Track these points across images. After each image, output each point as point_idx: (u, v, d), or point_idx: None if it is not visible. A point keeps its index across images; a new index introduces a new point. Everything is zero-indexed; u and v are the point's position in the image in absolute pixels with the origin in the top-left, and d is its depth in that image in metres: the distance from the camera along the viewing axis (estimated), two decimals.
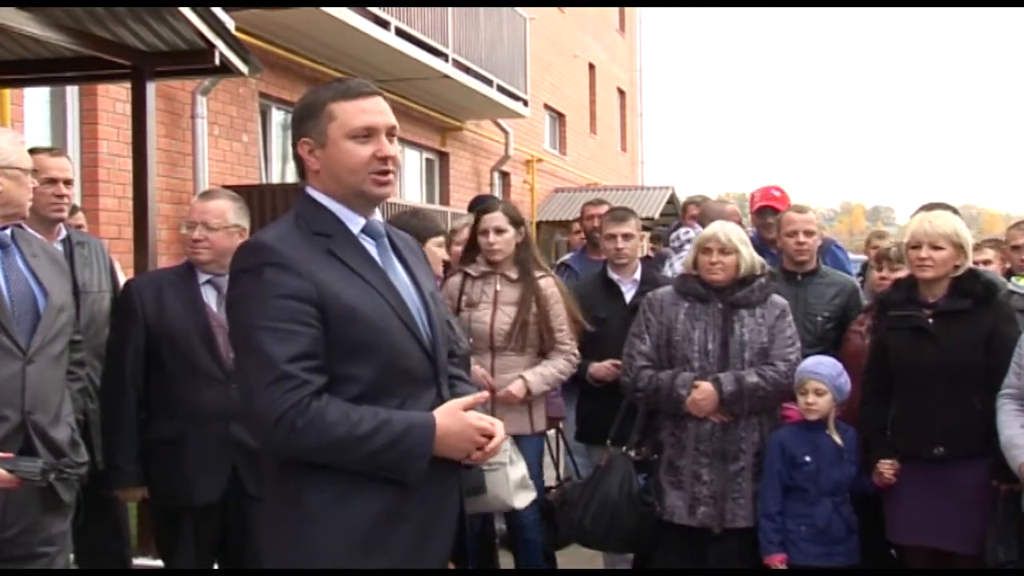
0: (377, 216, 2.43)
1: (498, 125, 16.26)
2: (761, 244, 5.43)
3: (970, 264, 4.15)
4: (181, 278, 3.74)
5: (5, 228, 3.17)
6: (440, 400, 2.39)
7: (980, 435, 3.91)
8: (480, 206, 5.25)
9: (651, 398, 4.27)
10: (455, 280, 4.68)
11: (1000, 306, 4.10)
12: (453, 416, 2.30)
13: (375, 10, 10.57)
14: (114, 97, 8.11)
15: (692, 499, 4.18)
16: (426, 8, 11.86)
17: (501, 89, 14.31)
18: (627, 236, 4.93)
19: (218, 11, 5.35)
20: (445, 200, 14.92)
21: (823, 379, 4.13)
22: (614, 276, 4.98)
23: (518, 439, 4.42)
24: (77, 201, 7.15)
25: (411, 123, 13.52)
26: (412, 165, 14.58)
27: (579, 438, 5.11)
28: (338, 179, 2.34)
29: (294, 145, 2.39)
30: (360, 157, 2.31)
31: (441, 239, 4.39)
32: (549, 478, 5.25)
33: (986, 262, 4.90)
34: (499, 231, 4.60)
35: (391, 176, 2.36)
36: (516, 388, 4.48)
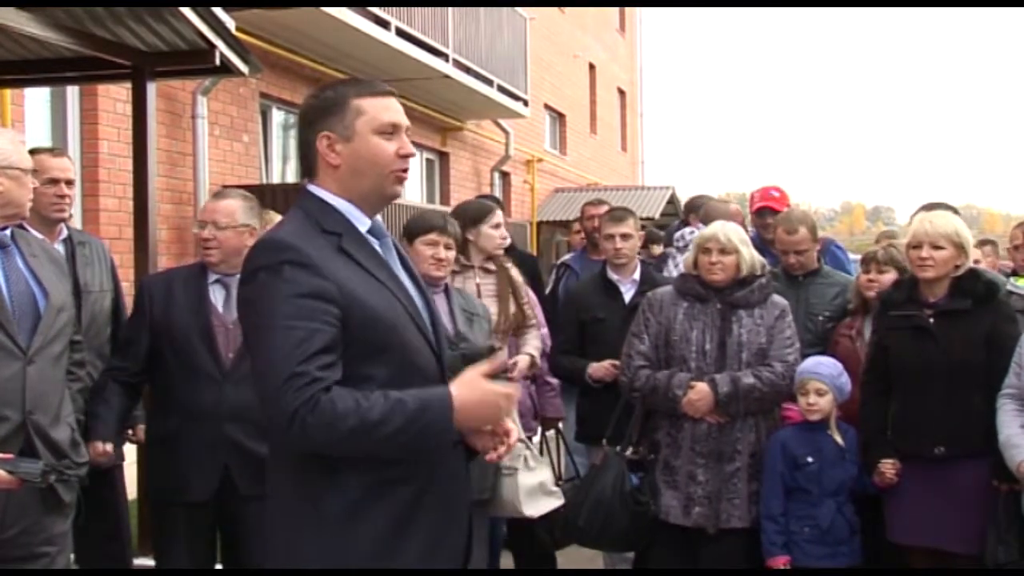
0: (378, 217, 2.44)
1: (498, 125, 16.26)
2: (761, 244, 5.43)
3: (971, 264, 4.16)
4: (193, 277, 3.76)
5: (5, 228, 3.17)
6: None
7: (980, 435, 3.91)
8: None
9: (648, 398, 4.27)
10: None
11: (1000, 306, 4.11)
12: (470, 385, 2.24)
13: (375, 10, 10.57)
14: (114, 97, 8.11)
15: (687, 499, 4.18)
16: (426, 8, 11.85)
17: (501, 89, 14.31)
18: (625, 236, 4.93)
19: (218, 11, 5.35)
20: (445, 200, 14.91)
21: (824, 379, 4.13)
22: (613, 276, 4.98)
23: None
24: (77, 201, 7.16)
25: (411, 123, 13.28)
26: (412, 165, 14.40)
27: (579, 438, 5.11)
28: (361, 174, 2.33)
29: (309, 140, 2.35)
30: (388, 152, 2.33)
31: (431, 236, 4.26)
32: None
33: (975, 261, 4.90)
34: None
35: (407, 175, 2.40)
36: (524, 363, 4.59)
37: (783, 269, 4.89)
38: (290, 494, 2.30)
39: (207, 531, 3.71)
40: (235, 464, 3.58)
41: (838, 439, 4.15)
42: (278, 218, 3.94)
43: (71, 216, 4.94)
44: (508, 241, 4.83)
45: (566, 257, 6.57)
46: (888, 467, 4.05)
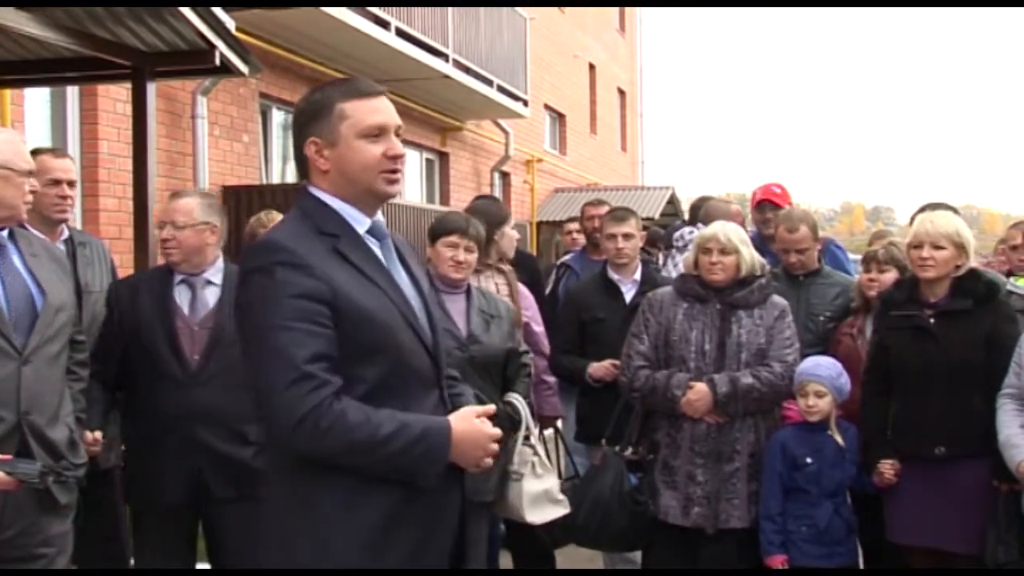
0: (380, 217, 2.44)
1: (498, 125, 16.26)
2: (761, 242, 5.42)
3: (971, 264, 4.16)
4: (158, 279, 3.73)
5: (1, 229, 3.16)
6: (442, 400, 2.40)
7: (980, 435, 3.90)
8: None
9: (647, 398, 4.27)
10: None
11: (1001, 306, 4.11)
12: (468, 422, 2.32)
13: (375, 10, 10.57)
14: (114, 97, 8.11)
15: (686, 499, 4.18)
16: (426, 8, 11.85)
17: (501, 89, 14.31)
18: (627, 236, 4.94)
19: (218, 11, 5.35)
20: (445, 200, 14.91)
21: (823, 381, 4.13)
22: (614, 276, 4.98)
23: None
24: (78, 201, 7.16)
25: (411, 123, 13.51)
26: (412, 165, 14.57)
27: (579, 438, 5.10)
28: (349, 178, 2.34)
29: (299, 145, 2.38)
30: (373, 156, 2.32)
31: (452, 239, 4.26)
32: None
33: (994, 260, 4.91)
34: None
35: (400, 175, 2.38)
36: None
37: (783, 269, 4.89)
38: (282, 493, 2.32)
39: (184, 534, 3.69)
40: (208, 467, 3.56)
41: (838, 439, 4.15)
42: (279, 217, 3.93)
43: (72, 217, 4.95)
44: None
45: (566, 257, 6.56)
46: (887, 467, 4.05)
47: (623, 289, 4.95)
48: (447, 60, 12.43)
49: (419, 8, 11.63)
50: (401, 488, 2.25)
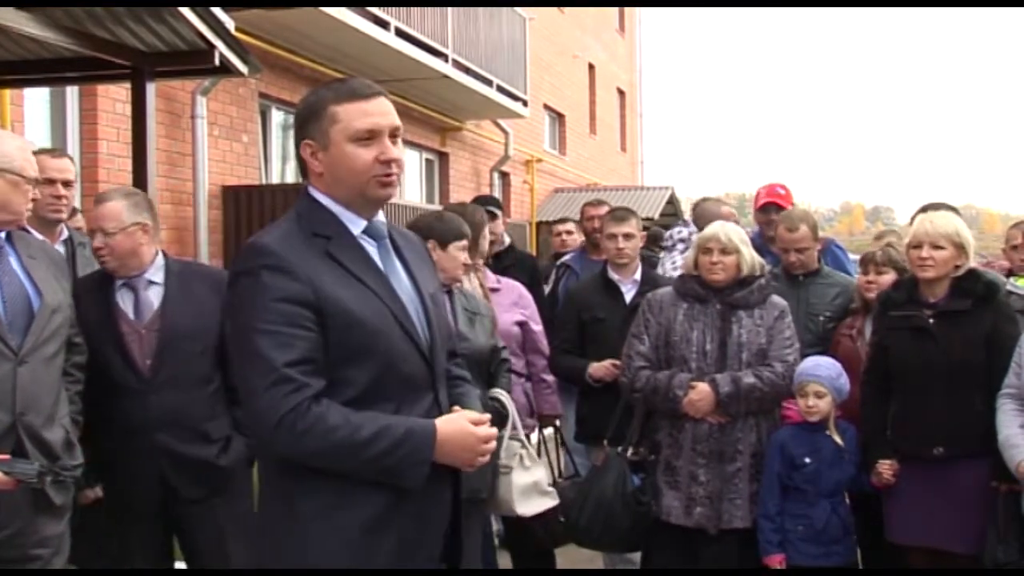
0: (380, 216, 2.41)
1: (498, 125, 16.26)
2: (762, 243, 5.42)
3: (971, 264, 4.16)
4: (98, 286, 3.61)
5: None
6: (437, 405, 2.38)
7: (980, 435, 3.91)
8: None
9: (648, 399, 4.27)
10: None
11: (1000, 306, 4.11)
12: (454, 424, 2.30)
13: (375, 10, 10.57)
14: (114, 97, 8.11)
15: (688, 499, 4.18)
16: (426, 8, 11.85)
17: (501, 89, 14.31)
18: (628, 236, 4.94)
19: (218, 11, 5.36)
20: (445, 200, 14.90)
21: (823, 381, 4.13)
22: (614, 276, 4.98)
23: None
24: (77, 201, 7.15)
25: (411, 123, 13.51)
26: (412, 165, 14.57)
27: (578, 438, 5.10)
28: (341, 182, 2.32)
29: (297, 147, 2.37)
30: (363, 161, 2.29)
31: (464, 242, 4.33)
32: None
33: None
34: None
35: (395, 178, 2.34)
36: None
37: (783, 269, 4.89)
38: (268, 495, 2.33)
39: (158, 541, 3.65)
40: (172, 471, 3.51)
41: (837, 439, 4.15)
42: None
43: (78, 213, 4.95)
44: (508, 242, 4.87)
45: (566, 257, 6.56)
46: (886, 468, 4.05)
47: (623, 289, 4.95)
48: (447, 60, 12.43)
49: (419, 8, 11.63)
50: (387, 490, 2.24)
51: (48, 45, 5.15)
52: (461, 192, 15.20)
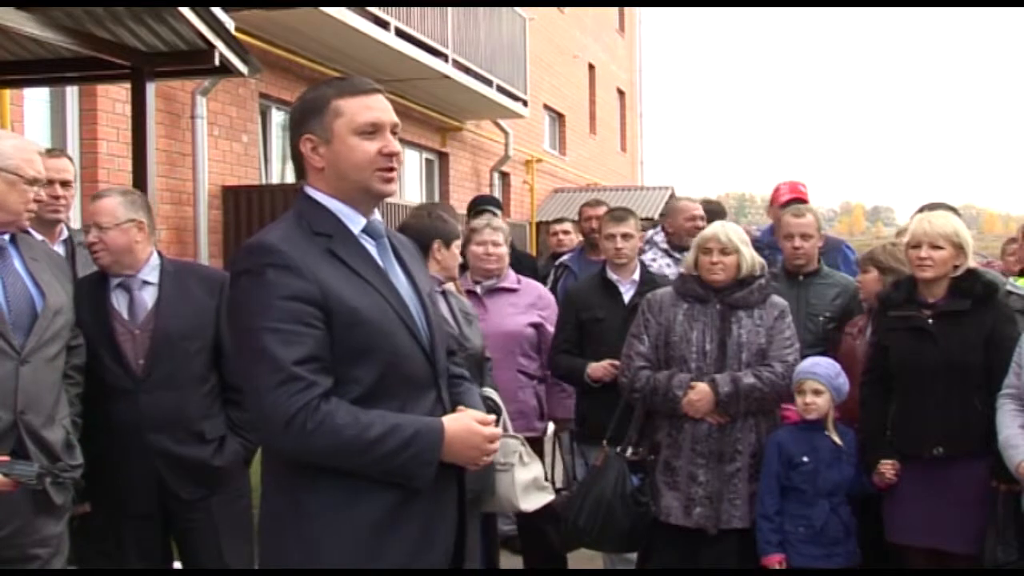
0: (377, 216, 2.43)
1: (498, 125, 16.27)
2: (772, 240, 5.42)
3: (970, 264, 4.16)
4: (94, 286, 3.61)
5: (2, 233, 3.16)
6: (440, 402, 2.39)
7: (980, 435, 3.91)
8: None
9: (648, 399, 4.27)
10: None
11: (1000, 306, 4.11)
12: (461, 423, 2.31)
13: (375, 10, 10.57)
14: (114, 97, 8.11)
15: (688, 500, 4.18)
16: (426, 8, 11.86)
17: (501, 89, 14.32)
18: (626, 236, 4.94)
19: (218, 11, 5.36)
20: (445, 200, 14.91)
21: (821, 379, 4.13)
22: (613, 276, 4.98)
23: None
24: (77, 201, 7.15)
25: (411, 123, 13.52)
26: (412, 165, 14.58)
27: (578, 439, 5.10)
28: (343, 176, 2.33)
29: (295, 143, 2.37)
30: (367, 153, 2.31)
31: (460, 241, 4.29)
32: (557, 479, 5.24)
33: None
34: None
35: (395, 173, 2.37)
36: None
37: (783, 269, 4.89)
38: (274, 495, 2.33)
39: (156, 541, 3.64)
40: (168, 473, 3.51)
41: (836, 439, 4.15)
42: None
43: (69, 217, 4.95)
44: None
45: (565, 257, 6.56)
46: (887, 467, 4.05)
47: (622, 289, 4.95)
48: (447, 60, 12.44)
49: (419, 8, 11.64)
50: (396, 489, 2.24)
51: (48, 45, 5.16)
52: (461, 192, 15.21)
